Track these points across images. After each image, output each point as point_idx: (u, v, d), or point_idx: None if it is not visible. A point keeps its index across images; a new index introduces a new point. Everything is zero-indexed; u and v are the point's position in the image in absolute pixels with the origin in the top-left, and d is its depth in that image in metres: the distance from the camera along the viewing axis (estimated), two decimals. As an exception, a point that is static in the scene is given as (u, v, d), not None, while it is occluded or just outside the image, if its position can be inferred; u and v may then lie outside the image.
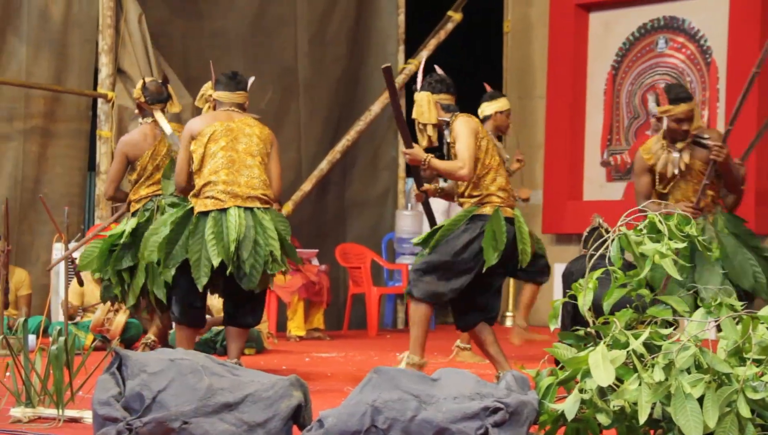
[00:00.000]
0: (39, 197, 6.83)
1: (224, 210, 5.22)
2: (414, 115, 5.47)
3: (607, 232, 5.55)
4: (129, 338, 7.24)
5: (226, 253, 5.13)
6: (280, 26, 9.55)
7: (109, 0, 8.41)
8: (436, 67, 5.64)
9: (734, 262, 5.36)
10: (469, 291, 5.23)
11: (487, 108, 7.01)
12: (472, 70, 12.00)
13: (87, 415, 3.96)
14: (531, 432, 3.54)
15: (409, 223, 9.89)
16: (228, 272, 5.17)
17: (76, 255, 7.29)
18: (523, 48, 10.74)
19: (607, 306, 3.66)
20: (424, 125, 5.41)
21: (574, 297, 3.78)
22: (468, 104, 12.75)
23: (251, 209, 5.26)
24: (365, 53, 10.19)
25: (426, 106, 5.44)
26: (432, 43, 10.27)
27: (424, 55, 10.29)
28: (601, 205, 9.55)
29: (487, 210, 5.25)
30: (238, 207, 5.23)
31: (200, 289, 5.20)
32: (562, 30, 10.16)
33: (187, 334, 5.43)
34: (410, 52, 10.30)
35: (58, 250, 7.64)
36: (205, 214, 5.25)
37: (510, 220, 5.27)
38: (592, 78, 10.18)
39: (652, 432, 3.42)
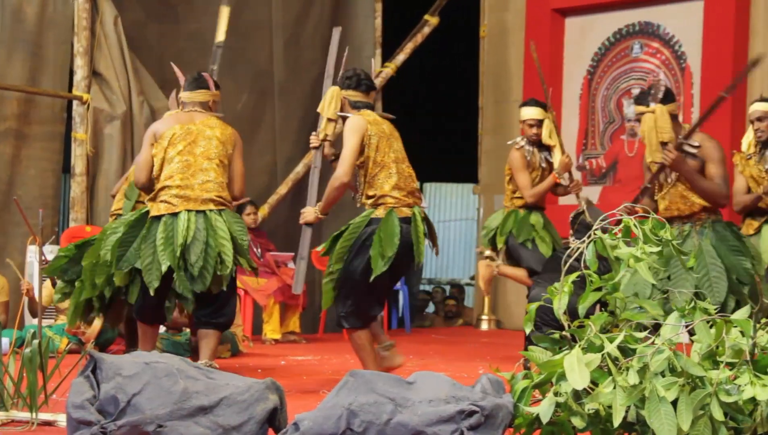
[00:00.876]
0: (13, 199, 6.78)
1: (176, 214, 5.30)
2: (318, 108, 5.50)
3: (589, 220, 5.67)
4: (104, 341, 7.20)
5: (173, 258, 5.21)
6: (255, 30, 9.53)
7: (85, 2, 8.37)
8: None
9: (702, 276, 5.29)
10: None
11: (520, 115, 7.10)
12: (448, 73, 12.05)
13: (61, 419, 3.93)
14: (506, 435, 3.55)
15: (385, 227, 9.88)
16: (175, 276, 5.26)
17: (49, 257, 7.26)
18: (499, 52, 10.77)
19: (582, 309, 3.68)
20: (326, 118, 5.46)
21: (549, 301, 3.79)
22: (444, 107, 12.76)
23: (204, 212, 5.33)
24: (341, 57, 10.18)
25: (328, 100, 5.46)
26: (409, 47, 10.29)
27: (400, 58, 10.32)
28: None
29: (380, 213, 5.21)
30: (189, 211, 5.30)
31: (152, 292, 5.27)
32: (538, 34, 10.19)
33: (144, 330, 5.53)
34: (387, 56, 10.31)
35: (32, 252, 7.60)
36: (158, 218, 5.33)
37: (407, 220, 5.21)
38: (567, 82, 10.21)
39: (626, 435, 3.44)
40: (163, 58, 9.08)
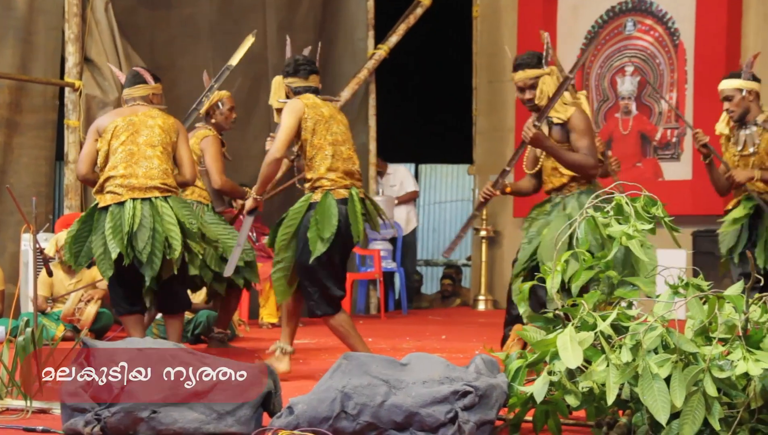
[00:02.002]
0: (6, 188, 6.76)
1: (122, 203, 5.42)
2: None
3: None
4: (100, 328, 7.20)
5: (121, 245, 5.32)
6: (248, 13, 9.49)
7: (75, -12, 8.34)
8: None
9: (542, 244, 5.05)
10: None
11: None
12: (441, 54, 12.02)
13: (55, 406, 3.93)
14: (500, 415, 3.56)
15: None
16: (125, 263, 5.35)
17: (44, 245, 7.25)
18: (492, 32, 10.73)
19: (575, 288, 3.68)
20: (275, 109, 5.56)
21: (542, 280, 3.80)
22: (438, 89, 12.72)
23: (149, 199, 5.43)
24: (334, 39, 10.15)
25: (274, 89, 5.57)
26: (401, 29, 10.25)
27: (393, 40, 10.28)
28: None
29: (317, 196, 5.27)
30: (135, 199, 5.41)
31: (107, 281, 5.48)
32: (530, 14, 10.16)
33: (126, 320, 5.62)
34: (379, 38, 10.27)
35: (26, 240, 7.58)
36: (105, 208, 5.46)
37: (344, 201, 5.25)
38: (561, 61, 10.18)
39: (620, 413, 3.45)
40: (155, 43, 9.05)
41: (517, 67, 5.27)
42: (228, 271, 5.54)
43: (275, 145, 5.29)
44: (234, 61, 6.65)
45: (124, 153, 5.49)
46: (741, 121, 5.80)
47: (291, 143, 5.34)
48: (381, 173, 10.63)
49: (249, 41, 6.79)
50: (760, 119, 5.75)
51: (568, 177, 5.19)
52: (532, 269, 5.01)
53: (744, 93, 5.72)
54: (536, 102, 5.19)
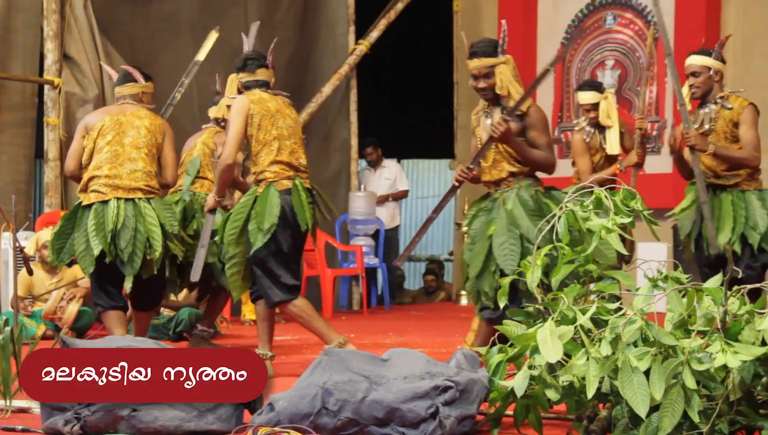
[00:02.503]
0: (-15, 186, 6.73)
1: (106, 202, 5.51)
2: None
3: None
4: (81, 327, 7.17)
5: (104, 242, 5.41)
6: (228, 9, 9.47)
7: (54, -15, 8.30)
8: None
9: (494, 243, 4.98)
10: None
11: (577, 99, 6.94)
12: (422, 50, 12.02)
13: (35, 405, 3.91)
14: (481, 409, 3.56)
15: (362, 205, 9.89)
16: (107, 261, 5.44)
17: (24, 244, 7.21)
18: (473, 27, 10.72)
19: (555, 282, 3.68)
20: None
21: (522, 274, 3.80)
22: (419, 84, 12.72)
23: (132, 200, 5.53)
24: (315, 35, 10.14)
25: (228, 86, 5.68)
26: (382, 24, 10.25)
27: (374, 35, 10.28)
28: (554, 182, 9.58)
29: (260, 190, 5.32)
30: (119, 199, 5.51)
31: (87, 277, 5.60)
32: (511, 8, 10.17)
33: (106, 316, 5.67)
34: (360, 33, 10.26)
35: (5, 239, 7.55)
36: (89, 206, 5.53)
37: (288, 192, 5.29)
38: (541, 56, 10.19)
39: (600, 406, 3.46)
40: (135, 40, 9.01)
41: (472, 55, 5.19)
42: (194, 276, 5.63)
43: (226, 151, 5.36)
44: (201, 56, 6.71)
45: (110, 153, 5.58)
46: (703, 100, 5.76)
47: (242, 145, 5.42)
48: (373, 163, 10.58)
49: (213, 36, 6.87)
50: (719, 98, 5.75)
51: (507, 172, 5.08)
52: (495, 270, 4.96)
53: (711, 72, 5.71)
54: (497, 91, 5.12)
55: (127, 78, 5.81)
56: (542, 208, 4.94)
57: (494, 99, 5.14)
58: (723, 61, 5.80)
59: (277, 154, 5.32)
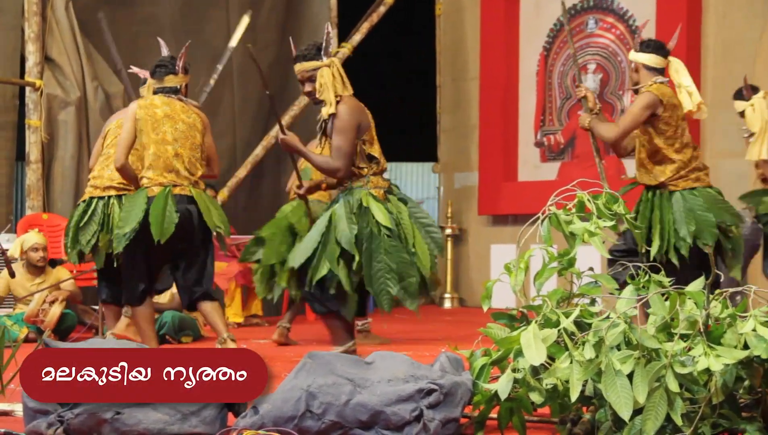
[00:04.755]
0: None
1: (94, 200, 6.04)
2: None
3: None
4: (64, 329, 7.14)
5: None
6: (210, 11, 9.46)
7: (35, -13, 8.27)
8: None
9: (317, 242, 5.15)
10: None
11: None
12: (405, 53, 12.03)
13: (17, 408, 3.89)
14: (465, 412, 3.57)
15: (345, 208, 9.88)
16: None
17: (6, 246, 7.19)
18: (455, 30, 10.76)
19: (538, 285, 3.69)
20: None
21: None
22: (402, 87, 12.74)
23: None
24: (297, 37, 10.11)
25: (146, 92, 5.82)
26: (365, 27, 10.25)
27: (357, 38, 10.28)
28: (536, 186, 9.64)
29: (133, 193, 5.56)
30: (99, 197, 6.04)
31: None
32: (493, 12, 10.20)
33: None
34: (343, 36, 10.26)
35: (-13, 241, 7.51)
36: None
37: (153, 198, 5.39)
38: (524, 59, 10.23)
39: (584, 409, 3.47)
40: (117, 42, 8.96)
41: (295, 59, 5.34)
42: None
43: (116, 153, 5.54)
44: (233, 42, 6.82)
45: (104, 156, 6.11)
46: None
47: (132, 146, 5.53)
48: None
49: (245, 22, 7.00)
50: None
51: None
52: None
53: (633, 65, 5.71)
54: (317, 95, 5.19)
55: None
56: (358, 213, 5.06)
57: (321, 102, 5.28)
58: (656, 52, 5.68)
59: (153, 159, 5.41)
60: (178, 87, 5.56)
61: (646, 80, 5.61)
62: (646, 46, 5.66)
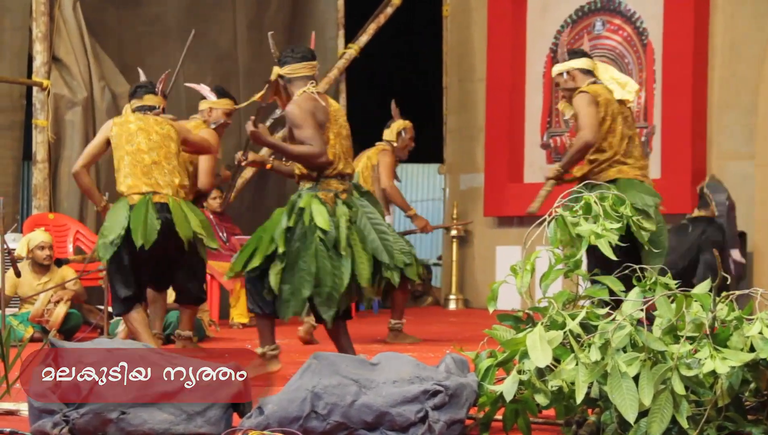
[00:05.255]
0: (-27, 188, 6.71)
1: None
2: None
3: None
4: (69, 329, 7.15)
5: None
6: (217, 12, 9.47)
7: (43, -13, 8.28)
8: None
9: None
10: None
11: None
12: (412, 54, 12.03)
13: (23, 408, 3.90)
14: (470, 414, 3.56)
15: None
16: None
17: (13, 245, 7.19)
18: (462, 32, 10.75)
19: (544, 287, 3.69)
20: None
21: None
22: (408, 88, 12.76)
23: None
24: (304, 38, 10.13)
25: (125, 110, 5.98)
26: (372, 28, 10.26)
27: (363, 39, 10.28)
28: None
29: (115, 203, 5.66)
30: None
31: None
32: (500, 13, 10.20)
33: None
34: (350, 37, 10.27)
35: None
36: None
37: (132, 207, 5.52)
38: (531, 61, 10.23)
39: (589, 411, 3.46)
40: (123, 42, 9.01)
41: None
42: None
43: (78, 159, 5.84)
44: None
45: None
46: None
47: (94, 157, 5.82)
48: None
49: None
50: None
51: (299, 172, 5.11)
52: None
53: (565, 76, 5.77)
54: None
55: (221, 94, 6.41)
56: (298, 212, 4.98)
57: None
58: (585, 57, 5.76)
59: (131, 168, 5.57)
60: (156, 106, 5.77)
61: (582, 83, 5.73)
62: (575, 53, 5.82)
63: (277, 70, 5.17)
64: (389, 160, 7.50)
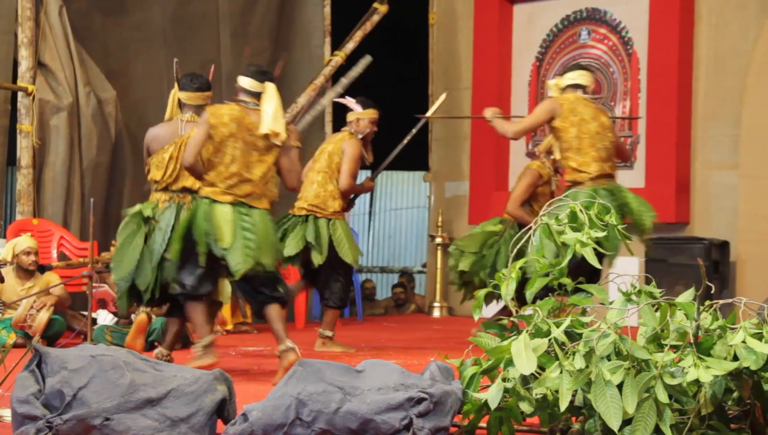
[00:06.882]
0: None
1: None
2: None
3: None
4: (52, 335, 7.12)
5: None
6: (201, 19, 9.47)
7: (29, -9, 8.26)
8: None
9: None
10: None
11: None
12: (398, 61, 12.04)
13: (6, 414, 3.88)
14: (455, 421, 3.57)
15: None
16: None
17: (-3, 251, 7.16)
18: (448, 40, 10.78)
19: (529, 295, 3.70)
20: None
21: (497, 287, 3.81)
22: (394, 95, 12.79)
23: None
24: (290, 45, 10.15)
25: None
26: (358, 35, 10.26)
27: (350, 46, 10.29)
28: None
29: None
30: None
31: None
32: (486, 22, 10.23)
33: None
34: (336, 45, 10.28)
35: (-23, 246, 7.49)
36: None
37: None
38: (517, 69, 10.25)
39: (573, 419, 3.47)
40: (109, 48, 8.99)
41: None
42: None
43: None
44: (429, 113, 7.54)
45: None
46: None
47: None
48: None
49: (442, 97, 7.67)
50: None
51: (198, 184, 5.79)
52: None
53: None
54: None
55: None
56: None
57: None
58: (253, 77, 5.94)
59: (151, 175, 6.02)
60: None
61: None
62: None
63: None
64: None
